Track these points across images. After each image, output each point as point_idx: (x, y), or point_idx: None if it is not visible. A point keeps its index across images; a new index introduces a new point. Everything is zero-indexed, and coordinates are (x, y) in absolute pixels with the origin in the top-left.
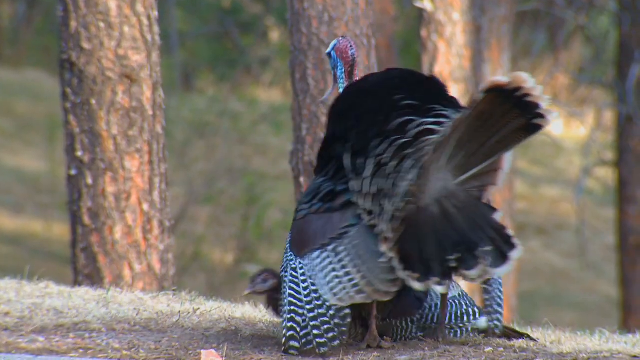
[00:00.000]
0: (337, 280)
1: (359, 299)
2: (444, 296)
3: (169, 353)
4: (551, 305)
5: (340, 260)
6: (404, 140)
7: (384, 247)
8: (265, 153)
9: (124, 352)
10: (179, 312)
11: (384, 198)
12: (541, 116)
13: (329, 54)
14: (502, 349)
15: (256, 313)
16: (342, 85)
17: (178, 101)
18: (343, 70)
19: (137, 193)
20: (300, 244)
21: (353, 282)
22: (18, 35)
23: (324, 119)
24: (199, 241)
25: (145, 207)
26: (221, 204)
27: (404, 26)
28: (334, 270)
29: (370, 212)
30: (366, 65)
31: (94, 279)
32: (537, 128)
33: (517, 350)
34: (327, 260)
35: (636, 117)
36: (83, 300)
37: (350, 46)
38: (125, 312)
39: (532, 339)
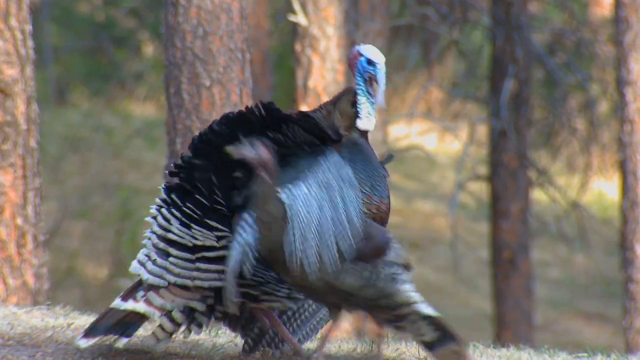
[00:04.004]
0: None
1: None
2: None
3: None
4: None
5: None
6: None
7: None
8: (140, 168)
9: None
10: (53, 326)
11: None
12: None
13: (369, 61)
14: None
15: None
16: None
17: (52, 115)
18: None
19: (10, 207)
20: None
21: None
22: None
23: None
24: (73, 256)
25: (19, 221)
26: (95, 219)
27: (278, 41)
28: None
29: None
30: (241, 79)
31: None
32: None
33: None
34: None
35: (509, 131)
36: None
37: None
38: None
39: None
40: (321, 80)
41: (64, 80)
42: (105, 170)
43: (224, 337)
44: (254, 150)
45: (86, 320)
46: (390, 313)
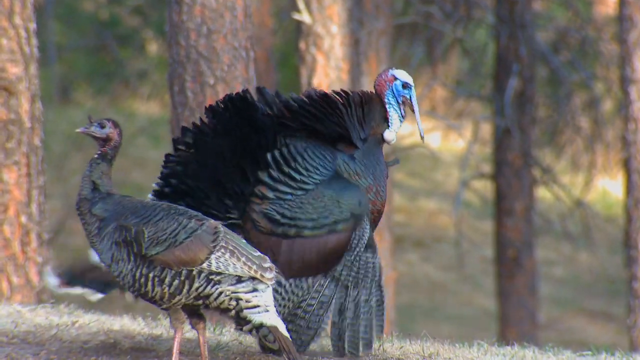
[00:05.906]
0: None
1: None
2: None
3: None
4: (429, 317)
5: None
6: None
7: None
8: (144, 166)
9: None
10: (58, 324)
11: None
12: None
13: (404, 85)
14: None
15: (135, 326)
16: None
17: (56, 114)
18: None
19: (15, 205)
20: None
21: None
22: None
23: None
24: (77, 254)
25: (24, 219)
26: None
27: (282, 39)
28: None
29: None
30: (245, 77)
31: None
32: None
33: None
34: None
35: (514, 129)
36: None
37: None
38: (3, 324)
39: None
40: (325, 78)
41: (68, 79)
42: None
43: (228, 335)
44: (99, 129)
45: (90, 318)
46: (227, 315)
